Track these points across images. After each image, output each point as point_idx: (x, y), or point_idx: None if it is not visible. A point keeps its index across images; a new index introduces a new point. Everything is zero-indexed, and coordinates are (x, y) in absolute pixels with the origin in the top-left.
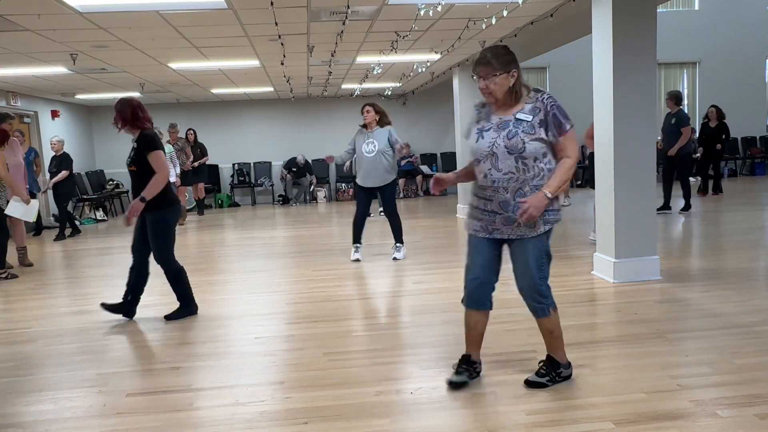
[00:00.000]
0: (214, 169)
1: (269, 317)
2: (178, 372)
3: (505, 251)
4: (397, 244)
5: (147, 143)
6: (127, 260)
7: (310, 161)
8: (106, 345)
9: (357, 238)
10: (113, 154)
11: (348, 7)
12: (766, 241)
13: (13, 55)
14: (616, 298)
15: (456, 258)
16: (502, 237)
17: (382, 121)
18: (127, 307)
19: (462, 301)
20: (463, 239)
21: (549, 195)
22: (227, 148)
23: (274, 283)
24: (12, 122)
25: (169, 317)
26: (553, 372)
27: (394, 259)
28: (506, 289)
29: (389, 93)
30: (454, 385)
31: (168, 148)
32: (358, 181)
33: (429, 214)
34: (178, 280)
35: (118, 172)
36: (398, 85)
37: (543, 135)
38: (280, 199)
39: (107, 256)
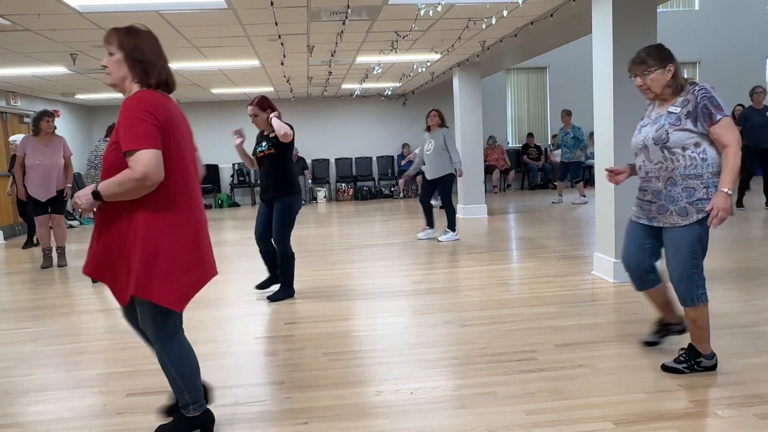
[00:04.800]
0: (214, 169)
1: (269, 317)
2: None
3: None
4: (447, 228)
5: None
6: None
7: (305, 159)
8: (106, 345)
9: (429, 222)
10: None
11: (348, 7)
12: (766, 241)
13: (13, 55)
14: (616, 298)
15: (456, 258)
16: (660, 225)
17: (442, 123)
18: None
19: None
20: (463, 239)
21: (727, 191)
22: (227, 148)
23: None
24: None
25: (272, 298)
26: (692, 360)
27: (439, 240)
28: (506, 289)
29: (389, 93)
30: (647, 344)
31: None
32: (425, 172)
33: None
34: (288, 264)
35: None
36: (398, 85)
37: (690, 126)
38: None
39: None
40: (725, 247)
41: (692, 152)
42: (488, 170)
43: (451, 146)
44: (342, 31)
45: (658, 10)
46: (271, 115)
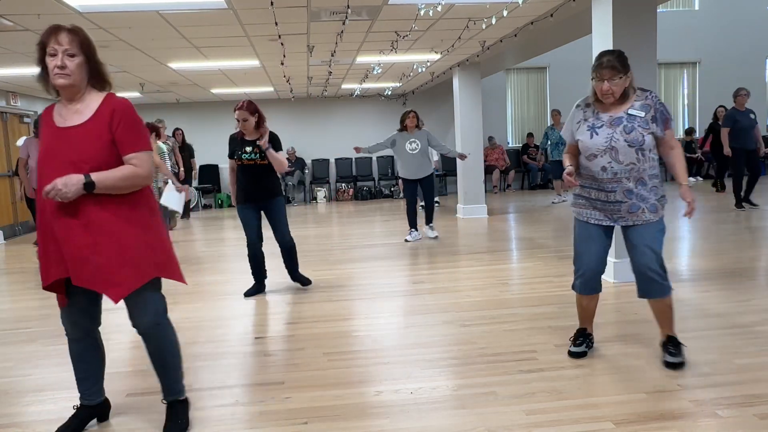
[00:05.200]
0: (214, 169)
1: (269, 317)
2: None
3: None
4: (430, 225)
5: (279, 144)
6: None
7: (305, 159)
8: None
9: (412, 224)
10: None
11: (348, 7)
12: (766, 241)
13: (13, 55)
14: (616, 298)
15: (456, 258)
16: (626, 224)
17: (419, 125)
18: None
19: (573, 287)
20: (463, 239)
21: (689, 184)
22: (227, 149)
23: (273, 283)
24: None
25: (304, 283)
26: (680, 347)
27: (436, 237)
28: (506, 289)
29: (389, 93)
30: (575, 355)
31: (163, 146)
32: (403, 174)
33: None
34: (294, 253)
35: None
36: (398, 85)
37: (654, 129)
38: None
39: None
40: (725, 248)
41: (653, 154)
42: (488, 170)
43: (438, 143)
44: (342, 31)
45: (658, 10)
46: (268, 148)
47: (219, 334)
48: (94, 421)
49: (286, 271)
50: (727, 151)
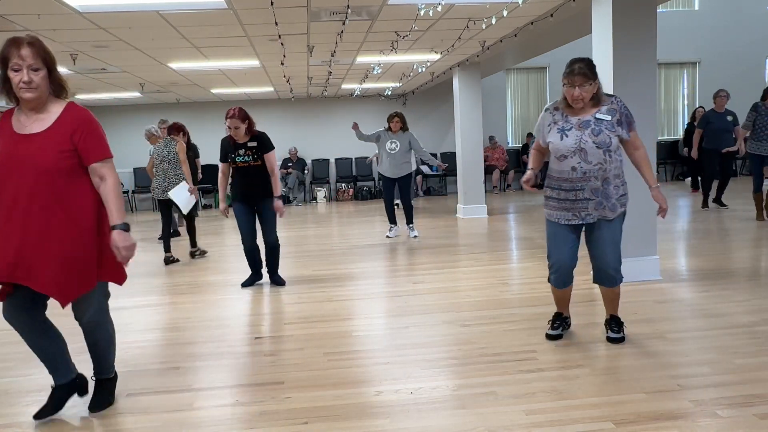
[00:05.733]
0: (215, 169)
1: (269, 317)
2: (178, 372)
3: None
4: (410, 225)
5: (269, 143)
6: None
7: (305, 159)
8: None
9: (391, 220)
10: (113, 154)
11: (348, 7)
12: (766, 241)
13: None
14: None
15: (456, 258)
16: (593, 221)
17: (404, 128)
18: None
19: (549, 280)
20: (464, 239)
21: (658, 185)
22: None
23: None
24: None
25: (279, 282)
26: (622, 326)
27: (415, 237)
28: (505, 289)
29: (389, 93)
30: (551, 337)
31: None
32: (381, 171)
33: (429, 214)
34: (277, 254)
35: (118, 172)
36: (398, 85)
37: (620, 131)
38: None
39: None
40: (724, 248)
41: (618, 155)
42: (488, 170)
43: (418, 147)
44: (342, 31)
45: (658, 10)
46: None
47: (219, 334)
48: (96, 418)
49: (283, 277)
50: (694, 153)
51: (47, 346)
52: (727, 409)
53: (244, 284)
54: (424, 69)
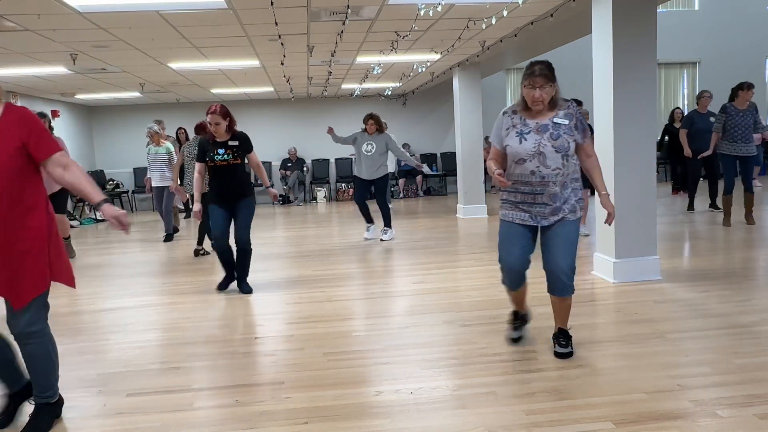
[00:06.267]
0: None
1: (269, 317)
2: (178, 372)
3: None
4: (385, 228)
5: (251, 144)
6: (127, 260)
7: (305, 159)
8: (106, 345)
9: (368, 219)
10: (113, 154)
11: (348, 7)
12: (766, 241)
13: (13, 55)
14: (616, 298)
15: (456, 258)
16: (549, 224)
17: (380, 129)
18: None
19: (502, 282)
20: (464, 239)
21: (607, 192)
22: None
23: (274, 283)
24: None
25: (246, 290)
26: (570, 340)
27: (381, 240)
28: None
29: (389, 93)
30: (516, 341)
31: (169, 146)
32: (356, 173)
33: (429, 214)
34: (248, 258)
35: (118, 172)
36: (398, 85)
37: (576, 136)
38: (281, 199)
39: (107, 255)
40: (724, 248)
41: (575, 159)
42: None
43: (395, 148)
44: (342, 31)
45: (658, 10)
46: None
47: (219, 334)
48: (96, 418)
49: (283, 278)
50: (687, 152)
51: None
52: (727, 409)
53: (220, 287)
54: (424, 69)
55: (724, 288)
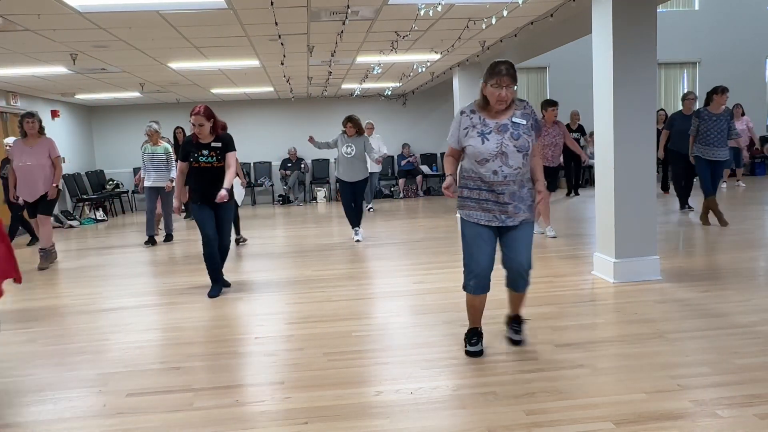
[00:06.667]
0: None
1: (269, 317)
2: (178, 372)
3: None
4: (356, 228)
5: (233, 144)
6: (127, 260)
7: (305, 159)
8: (106, 345)
9: (355, 223)
10: (113, 154)
11: (348, 7)
12: (766, 241)
13: (13, 55)
14: (616, 298)
15: (456, 258)
16: (513, 223)
17: (359, 131)
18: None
19: (465, 288)
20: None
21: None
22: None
23: (274, 283)
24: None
25: (214, 294)
26: (523, 326)
27: (358, 241)
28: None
29: (389, 93)
30: (475, 354)
31: (167, 146)
32: (338, 175)
33: (429, 214)
34: (225, 257)
35: (118, 172)
36: (398, 85)
37: (533, 136)
38: (280, 199)
39: (107, 256)
40: (724, 248)
41: (528, 158)
42: None
43: (370, 149)
44: (342, 31)
45: (658, 10)
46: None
47: (219, 334)
48: (96, 418)
49: (283, 277)
50: (660, 153)
51: None
52: (727, 409)
53: (213, 294)
54: (424, 69)
55: (724, 288)
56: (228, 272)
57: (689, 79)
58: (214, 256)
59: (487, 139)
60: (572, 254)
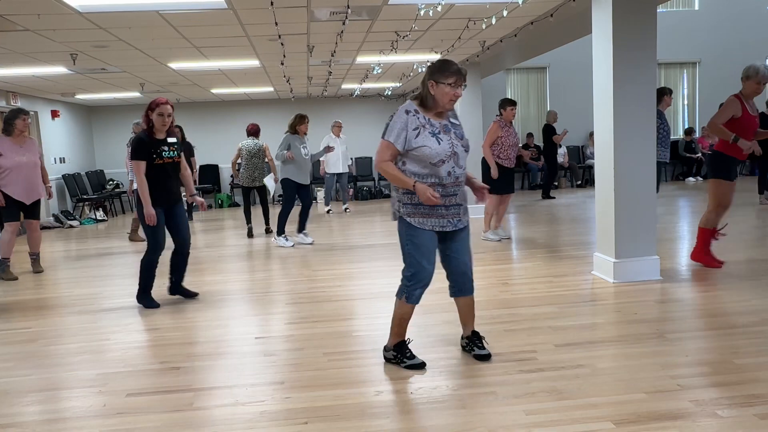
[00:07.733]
0: (214, 169)
1: (269, 317)
2: (178, 372)
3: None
4: (304, 231)
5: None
6: (127, 260)
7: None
8: (106, 345)
9: (303, 227)
10: (113, 154)
11: (348, 7)
12: (765, 240)
13: (13, 55)
14: (616, 298)
15: None
16: (462, 226)
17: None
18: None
19: (408, 298)
20: None
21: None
22: (227, 148)
23: (274, 283)
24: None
25: (173, 292)
26: (484, 340)
27: (312, 243)
28: (506, 289)
29: (389, 93)
30: (421, 366)
31: None
32: (296, 178)
33: None
34: (187, 261)
35: (118, 172)
36: (398, 85)
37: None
38: (280, 199)
39: (107, 256)
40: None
41: None
42: None
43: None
44: (342, 31)
45: (658, 10)
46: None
47: (219, 334)
48: (96, 418)
49: (283, 277)
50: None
51: None
52: (727, 409)
53: (149, 305)
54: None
55: (724, 288)
56: (230, 272)
57: (689, 79)
58: (154, 266)
59: (441, 140)
60: (572, 254)
